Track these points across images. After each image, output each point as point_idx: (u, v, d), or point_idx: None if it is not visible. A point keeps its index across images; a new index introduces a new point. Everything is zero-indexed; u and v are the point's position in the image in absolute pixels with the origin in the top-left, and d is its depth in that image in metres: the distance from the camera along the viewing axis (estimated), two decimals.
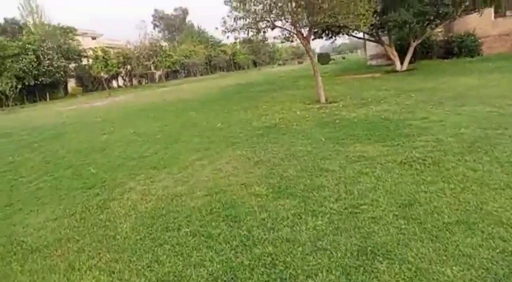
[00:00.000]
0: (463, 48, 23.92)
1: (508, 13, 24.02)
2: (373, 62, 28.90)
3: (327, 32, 18.96)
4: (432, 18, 16.77)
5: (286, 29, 11.04)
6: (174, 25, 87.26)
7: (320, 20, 10.25)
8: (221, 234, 3.32)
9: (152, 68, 52.82)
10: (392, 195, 3.75)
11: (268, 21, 10.64)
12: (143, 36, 51.24)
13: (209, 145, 7.18)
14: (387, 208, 3.46)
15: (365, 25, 10.25)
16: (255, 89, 19.43)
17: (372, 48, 28.58)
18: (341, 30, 17.57)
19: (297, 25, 10.65)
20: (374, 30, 19.28)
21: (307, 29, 10.96)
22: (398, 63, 19.99)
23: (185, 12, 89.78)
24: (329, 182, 4.34)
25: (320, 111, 9.63)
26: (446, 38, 24.70)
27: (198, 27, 79.92)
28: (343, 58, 65.72)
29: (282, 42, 12.51)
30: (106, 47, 45.64)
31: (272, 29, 11.07)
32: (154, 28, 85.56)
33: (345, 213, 3.45)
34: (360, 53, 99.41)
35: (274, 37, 11.94)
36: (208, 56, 58.75)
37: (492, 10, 23.87)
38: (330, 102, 10.96)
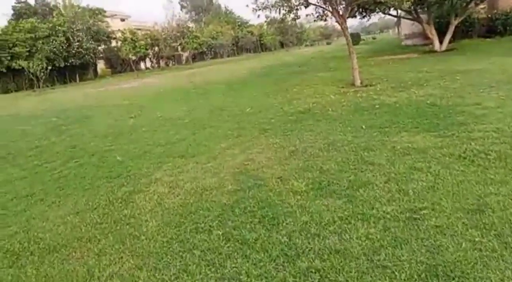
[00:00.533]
0: (508, 26, 22.19)
1: None
2: (408, 42, 27.39)
3: (362, 10, 17.89)
4: None
5: (321, 7, 10.31)
6: (201, 6, 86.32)
7: None
8: (258, 239, 2.91)
9: (179, 49, 52.62)
10: (456, 197, 3.21)
11: None
12: (170, 18, 51.03)
13: (240, 131, 6.75)
14: (452, 214, 2.93)
15: (407, 1, 9.38)
16: (284, 71, 18.76)
17: (407, 27, 27.04)
18: (378, 7, 16.49)
19: (333, 2, 9.89)
20: (412, 7, 18.05)
21: (343, 6, 10.18)
22: (437, 42, 18.74)
23: None
24: (377, 179, 3.83)
25: (357, 95, 8.98)
26: (489, 15, 22.93)
27: (225, 7, 78.91)
28: (374, 38, 63.27)
29: (315, 20, 11.78)
30: (134, 29, 45.69)
31: (306, 7, 10.37)
32: (181, 9, 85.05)
33: (402, 218, 2.95)
34: (391, 32, 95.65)
35: (307, 15, 11.23)
36: (235, 37, 57.87)
37: None
38: (366, 86, 10.26)
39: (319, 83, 12.16)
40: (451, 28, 18.55)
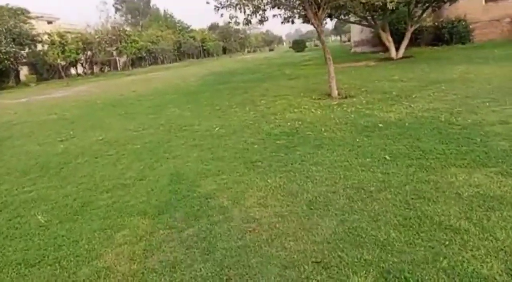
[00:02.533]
0: (454, 35, 22.72)
1: None
2: (358, 49, 27.31)
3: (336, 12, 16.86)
4: None
5: (293, 8, 8.89)
6: (138, 8, 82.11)
7: None
8: None
9: (115, 54, 48.83)
10: None
11: None
12: (104, 20, 47.16)
13: (218, 164, 4.99)
14: None
15: (391, 2, 8.28)
16: (239, 79, 17.17)
17: (356, 34, 26.96)
18: (341, 11, 15.60)
19: (310, 2, 8.52)
20: (368, 13, 17.46)
21: (317, 6, 8.84)
22: (393, 50, 18.32)
23: None
24: (492, 269, 2.34)
25: (343, 109, 7.63)
26: (435, 23, 23.36)
27: (165, 11, 75.44)
28: (316, 45, 64.14)
29: (282, 22, 10.34)
30: (64, 31, 41.35)
31: (276, 7, 8.89)
32: (115, 12, 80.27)
33: None
34: (331, 40, 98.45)
35: (274, 16, 9.75)
36: (177, 42, 55.13)
37: None
38: (346, 97, 9.02)
39: (287, 93, 10.72)
40: (408, 35, 18.24)
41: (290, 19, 10.32)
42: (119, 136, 7.53)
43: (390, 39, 18.50)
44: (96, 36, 43.04)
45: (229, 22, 8.91)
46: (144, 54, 48.48)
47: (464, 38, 22.68)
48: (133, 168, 5.29)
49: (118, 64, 52.00)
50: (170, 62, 51.54)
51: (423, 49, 22.06)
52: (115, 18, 54.85)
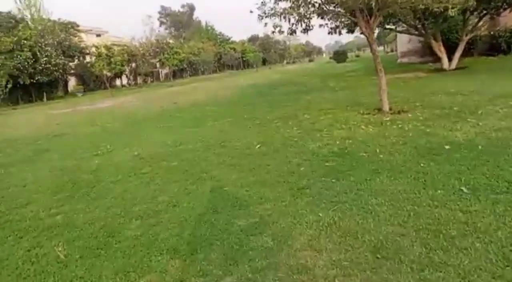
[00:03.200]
0: None
1: None
2: (405, 60, 26.00)
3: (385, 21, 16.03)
4: (500, 4, 13.87)
5: (341, 15, 8.24)
6: (181, 21, 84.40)
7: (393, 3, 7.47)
8: None
9: (158, 66, 50.12)
10: None
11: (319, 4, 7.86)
12: (149, 33, 48.64)
13: (260, 190, 4.40)
14: None
15: (453, 8, 7.42)
16: (281, 91, 16.63)
17: (403, 44, 25.71)
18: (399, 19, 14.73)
19: (362, 8, 7.85)
20: (418, 21, 16.40)
21: (367, 15, 8.14)
22: (446, 60, 17.08)
23: (191, 8, 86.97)
24: None
25: (398, 126, 6.83)
26: (491, 32, 21.69)
27: (206, 23, 76.98)
28: (357, 56, 62.72)
29: (329, 33, 9.70)
30: (111, 44, 43.02)
31: (322, 16, 8.30)
32: (160, 25, 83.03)
33: None
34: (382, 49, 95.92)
35: (320, 26, 9.15)
36: (217, 54, 55.77)
37: None
38: (399, 112, 8.18)
39: (332, 107, 10.01)
40: (462, 45, 16.96)
41: (338, 30, 9.65)
42: (156, 151, 7.16)
43: (443, 49, 17.29)
44: (141, 49, 44.36)
45: (273, 32, 8.38)
46: (185, 66, 49.37)
47: None
48: (167, 190, 4.82)
49: (160, 76, 53.33)
50: (210, 73, 52.15)
51: (477, 59, 20.48)
52: (159, 31, 56.63)
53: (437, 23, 16.48)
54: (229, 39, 69.08)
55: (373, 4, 7.53)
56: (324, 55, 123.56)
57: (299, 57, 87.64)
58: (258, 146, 6.59)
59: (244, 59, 62.50)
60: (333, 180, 4.43)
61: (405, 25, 18.55)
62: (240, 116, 10.31)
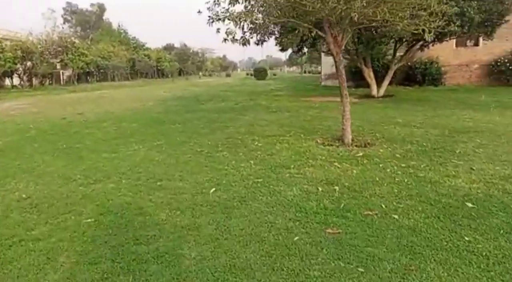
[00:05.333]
0: (426, 76, 22.41)
1: (468, 43, 23.16)
2: (328, 83, 26.33)
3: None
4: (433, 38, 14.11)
5: (311, 28, 6.94)
6: (89, 21, 77.33)
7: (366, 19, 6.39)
8: None
9: (59, 67, 44.22)
10: None
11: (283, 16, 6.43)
12: (50, 29, 42.74)
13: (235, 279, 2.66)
14: None
15: (429, 32, 6.62)
16: (210, 107, 14.84)
17: (328, 67, 25.95)
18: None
19: (328, 24, 6.64)
20: (354, 45, 16.17)
21: (338, 30, 6.98)
22: (375, 87, 17.17)
23: (102, 8, 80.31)
24: None
25: (379, 166, 5.65)
26: (408, 63, 22.93)
27: (119, 25, 71.27)
28: (274, 74, 63.85)
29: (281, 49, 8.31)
30: (1, 38, 36.52)
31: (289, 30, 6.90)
32: (64, 23, 74.97)
33: None
34: (285, 70, 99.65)
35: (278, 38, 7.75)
36: (131, 60, 51.41)
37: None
38: (365, 145, 7.13)
39: (281, 133, 8.64)
40: (390, 73, 17.26)
41: (298, 47, 8.34)
42: (55, 194, 4.86)
43: (372, 75, 17.38)
44: (39, 46, 38.52)
45: (225, 39, 6.68)
46: (93, 69, 44.34)
47: (437, 81, 22.45)
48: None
49: (61, 78, 47.24)
50: (121, 80, 47.72)
51: (397, 88, 21.33)
52: (63, 28, 50.53)
53: (367, 48, 16.44)
54: (144, 45, 64.89)
55: (346, 20, 6.40)
56: (239, 70, 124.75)
57: (216, 71, 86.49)
58: (213, 190, 4.79)
59: (159, 68, 58.97)
60: (360, 269, 2.87)
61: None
62: (172, 138, 8.31)
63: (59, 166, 6.19)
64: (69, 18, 78.33)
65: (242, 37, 7.19)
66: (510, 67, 21.05)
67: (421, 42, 15.34)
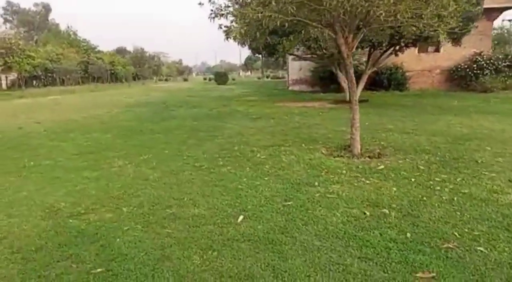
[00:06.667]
0: (392, 81, 22.77)
1: (430, 49, 23.89)
2: (296, 88, 26.05)
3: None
4: (408, 42, 14.12)
5: (322, 28, 6.30)
6: (33, 22, 72.25)
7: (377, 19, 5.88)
8: None
9: None
10: None
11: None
12: None
13: None
14: None
15: (443, 33, 6.23)
16: (183, 114, 13.79)
17: (295, 72, 25.70)
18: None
19: (339, 23, 6.04)
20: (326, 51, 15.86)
21: (348, 31, 6.40)
22: (348, 92, 16.97)
23: (47, 8, 75.39)
24: None
25: (410, 181, 5.09)
26: (375, 68, 23.20)
27: (68, 27, 66.88)
28: (233, 79, 63.18)
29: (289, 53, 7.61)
30: None
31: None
32: (4, 23, 69.59)
33: None
34: (242, 75, 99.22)
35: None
36: (84, 63, 48.20)
37: None
38: (378, 156, 6.59)
39: (279, 142, 7.94)
40: (364, 78, 17.12)
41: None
42: (39, 230, 3.77)
43: (346, 80, 17.17)
44: None
45: (227, 37, 5.85)
46: (40, 73, 41.04)
47: (402, 86, 22.88)
48: None
49: (4, 83, 43.34)
50: (72, 85, 44.61)
51: (365, 93, 21.42)
52: (6, 28, 46.57)
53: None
54: (95, 48, 61.40)
55: (357, 19, 5.83)
56: (194, 75, 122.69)
57: (173, 75, 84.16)
58: (241, 217, 3.94)
59: (112, 72, 56.01)
60: None
61: (308, 51, 17.99)
62: (159, 151, 7.30)
63: (32, 190, 5.01)
64: (10, 18, 73.02)
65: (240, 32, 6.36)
66: (470, 73, 21.89)
67: (396, 47, 15.34)
